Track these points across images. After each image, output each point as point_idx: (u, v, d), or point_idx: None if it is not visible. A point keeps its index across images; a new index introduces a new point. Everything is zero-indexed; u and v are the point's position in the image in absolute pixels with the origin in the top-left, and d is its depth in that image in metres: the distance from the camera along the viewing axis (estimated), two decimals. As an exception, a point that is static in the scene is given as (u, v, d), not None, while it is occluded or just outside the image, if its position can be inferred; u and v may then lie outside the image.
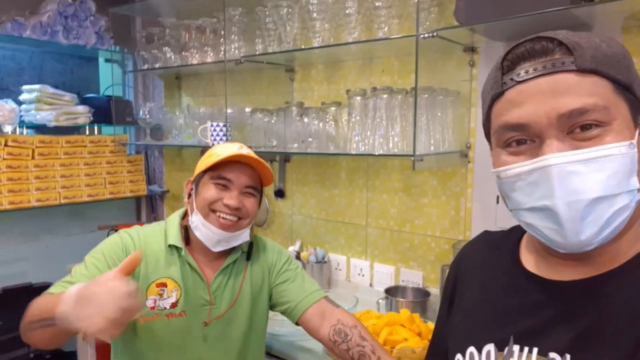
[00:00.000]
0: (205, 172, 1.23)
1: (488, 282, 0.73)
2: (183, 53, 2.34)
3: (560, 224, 0.56)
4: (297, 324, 1.29)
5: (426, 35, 1.49)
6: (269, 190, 2.30)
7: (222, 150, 1.22)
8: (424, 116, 1.62)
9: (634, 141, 0.56)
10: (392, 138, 1.66)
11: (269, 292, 1.33)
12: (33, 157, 2.30)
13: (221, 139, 2.07)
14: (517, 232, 0.75)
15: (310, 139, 1.85)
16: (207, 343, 1.24)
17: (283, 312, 1.31)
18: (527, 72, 0.58)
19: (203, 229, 1.21)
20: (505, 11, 1.35)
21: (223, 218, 1.19)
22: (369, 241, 2.01)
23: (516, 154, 0.60)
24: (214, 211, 1.20)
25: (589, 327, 0.58)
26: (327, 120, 1.84)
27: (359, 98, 1.69)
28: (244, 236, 1.26)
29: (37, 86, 2.32)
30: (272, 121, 1.98)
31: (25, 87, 2.36)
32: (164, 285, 1.21)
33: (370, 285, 2.00)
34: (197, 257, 1.26)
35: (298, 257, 2.06)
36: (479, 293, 0.73)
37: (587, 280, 0.60)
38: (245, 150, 1.23)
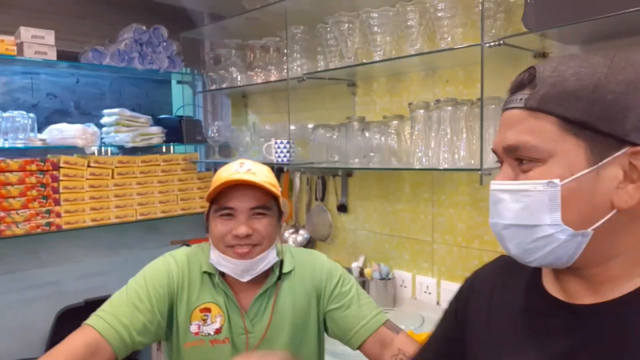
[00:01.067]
0: (211, 205, 1.18)
1: (508, 304, 0.73)
2: (248, 72, 2.41)
3: (498, 239, 0.65)
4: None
5: (492, 44, 1.42)
6: (332, 205, 2.30)
7: (221, 174, 1.15)
8: (491, 128, 1.55)
9: (558, 181, 0.58)
10: (457, 151, 1.60)
11: (321, 317, 1.26)
12: (113, 177, 2.45)
13: (285, 156, 2.10)
14: None
15: (372, 154, 1.83)
16: None
17: (340, 340, 1.24)
18: (505, 103, 0.65)
19: (224, 263, 1.16)
20: (581, 14, 1.26)
21: (238, 247, 1.13)
22: (436, 258, 1.95)
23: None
24: (228, 245, 1.14)
25: (607, 354, 0.58)
26: (389, 134, 1.81)
27: (421, 111, 1.65)
28: (270, 258, 1.18)
29: (116, 110, 2.48)
30: (334, 136, 1.98)
31: (105, 111, 2.53)
32: (208, 310, 1.18)
33: (438, 303, 1.93)
34: (234, 284, 1.20)
35: (362, 273, 2.03)
36: (501, 318, 0.73)
37: (602, 305, 0.61)
38: (245, 168, 1.15)
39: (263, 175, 1.16)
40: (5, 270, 2.28)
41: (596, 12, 1.23)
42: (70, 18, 2.50)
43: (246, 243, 1.13)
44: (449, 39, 1.65)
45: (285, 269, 1.24)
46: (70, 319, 2.32)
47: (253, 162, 1.20)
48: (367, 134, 1.83)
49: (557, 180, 0.58)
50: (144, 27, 2.51)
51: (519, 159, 0.62)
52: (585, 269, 0.63)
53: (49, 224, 2.24)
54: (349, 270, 2.07)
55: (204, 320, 1.17)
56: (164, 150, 2.72)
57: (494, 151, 0.67)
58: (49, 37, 2.24)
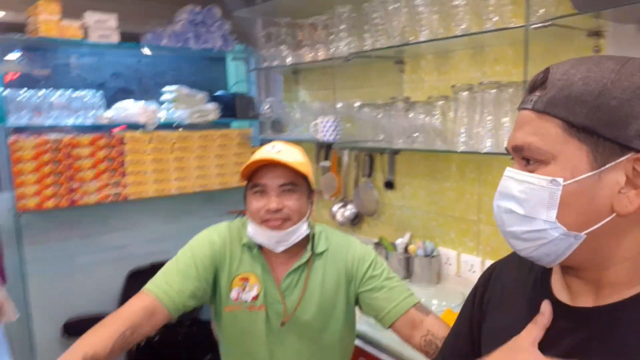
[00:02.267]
0: (247, 183, 1.29)
1: (520, 304, 0.75)
2: (297, 51, 2.45)
3: (498, 222, 0.68)
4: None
5: (538, 25, 1.39)
6: (379, 182, 2.34)
7: (255, 155, 1.25)
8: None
9: (561, 180, 0.60)
10: (501, 134, 1.59)
11: (352, 297, 1.33)
12: (172, 151, 2.61)
13: (331, 134, 2.15)
14: None
15: (416, 134, 1.85)
16: (283, 339, 1.31)
17: (374, 319, 1.31)
18: (521, 102, 0.67)
19: (260, 235, 1.27)
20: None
21: (271, 221, 1.24)
22: (481, 237, 1.96)
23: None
24: (263, 220, 1.25)
25: (604, 357, 0.60)
26: (434, 114, 1.82)
27: (465, 93, 1.64)
28: (301, 231, 1.28)
29: (174, 87, 2.62)
30: (379, 116, 2.00)
31: (165, 88, 2.67)
32: (247, 279, 1.30)
33: (481, 281, 1.95)
34: (271, 257, 1.32)
35: (406, 249, 2.08)
36: (511, 315, 0.75)
37: (603, 307, 0.63)
38: (276, 150, 1.24)
39: (292, 156, 1.25)
40: (80, 235, 2.52)
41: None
42: (131, 0, 2.63)
43: (278, 217, 1.24)
44: (495, 19, 1.62)
45: (319, 249, 1.34)
46: (138, 280, 2.54)
47: (285, 144, 1.29)
48: (410, 115, 1.85)
49: (560, 180, 0.60)
50: (198, 8, 2.60)
51: (525, 159, 0.64)
52: (586, 271, 0.65)
53: (117, 194, 2.45)
54: (394, 245, 2.13)
55: (243, 288, 1.30)
56: (218, 126, 2.84)
57: (507, 150, 0.69)
58: (112, 20, 2.38)
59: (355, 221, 2.49)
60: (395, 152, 2.24)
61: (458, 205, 2.03)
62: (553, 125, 0.61)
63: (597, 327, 0.63)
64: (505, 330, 0.74)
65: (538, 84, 0.64)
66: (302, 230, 1.29)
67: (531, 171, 0.63)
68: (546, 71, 0.64)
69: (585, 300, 0.66)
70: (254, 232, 1.28)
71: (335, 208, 2.53)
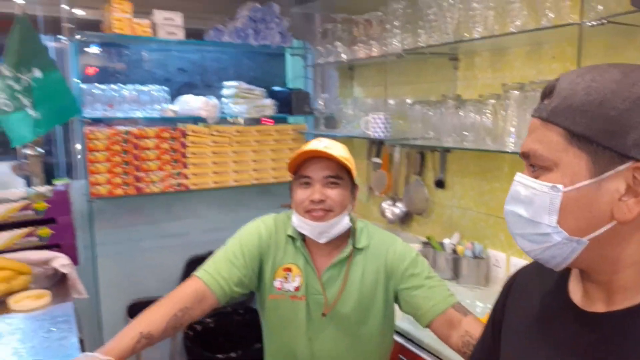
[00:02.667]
0: (294, 176, 1.34)
1: (538, 308, 0.76)
2: (352, 47, 2.48)
3: (508, 225, 0.71)
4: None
5: (594, 23, 1.33)
6: (429, 180, 2.33)
7: (302, 149, 1.30)
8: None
9: (561, 186, 0.62)
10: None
11: (391, 293, 1.36)
12: (231, 145, 2.73)
13: (381, 131, 2.16)
14: None
15: (466, 133, 1.82)
16: (322, 329, 1.35)
17: (413, 317, 1.32)
18: (534, 110, 0.69)
19: (304, 226, 1.32)
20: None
21: (314, 212, 1.29)
22: (531, 239, 1.90)
23: None
24: (306, 211, 1.30)
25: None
26: (485, 112, 1.78)
27: (516, 92, 1.60)
28: (343, 223, 1.32)
29: (234, 83, 2.73)
30: (430, 113, 1.99)
31: (225, 83, 2.79)
32: (290, 270, 1.36)
33: (530, 285, 1.90)
34: (313, 250, 1.38)
35: (454, 250, 2.06)
36: (528, 318, 0.77)
37: (615, 313, 0.64)
38: (322, 144, 1.29)
39: (338, 151, 1.30)
40: (145, 221, 2.71)
41: None
42: (197, -3, 2.77)
43: (320, 208, 1.29)
44: (551, 15, 1.56)
45: (360, 245, 1.37)
46: (196, 266, 2.67)
47: (330, 140, 1.34)
48: (461, 113, 1.82)
49: (560, 186, 0.62)
50: (258, 5, 2.69)
51: (532, 165, 0.66)
52: (598, 274, 0.66)
53: (179, 184, 2.60)
54: (442, 245, 2.12)
55: (286, 278, 1.36)
56: (274, 121, 2.93)
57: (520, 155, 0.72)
58: (178, 18, 2.52)
59: (405, 219, 2.49)
60: (446, 150, 2.21)
61: (509, 206, 1.98)
62: (556, 133, 0.62)
63: (608, 332, 0.63)
64: (518, 332, 0.76)
65: (547, 92, 0.66)
66: (344, 222, 1.33)
67: (536, 177, 0.65)
68: (557, 79, 0.66)
69: (599, 305, 0.67)
70: (298, 222, 1.34)
71: (385, 205, 2.54)
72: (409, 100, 2.22)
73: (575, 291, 0.72)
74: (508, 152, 1.69)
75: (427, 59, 2.28)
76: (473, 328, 1.20)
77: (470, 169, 2.14)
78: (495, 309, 0.88)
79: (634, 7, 1.26)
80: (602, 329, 0.64)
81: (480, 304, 1.81)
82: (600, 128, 0.59)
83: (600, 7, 1.43)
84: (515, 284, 0.85)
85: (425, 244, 2.17)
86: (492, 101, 1.77)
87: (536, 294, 0.78)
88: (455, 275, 2.04)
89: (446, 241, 2.10)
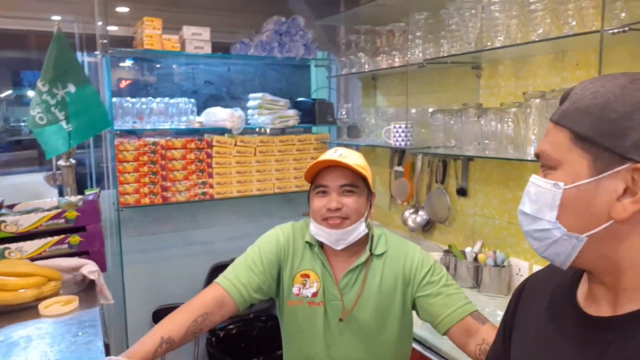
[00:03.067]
0: (311, 185, 1.36)
1: (547, 313, 0.77)
2: (375, 57, 2.50)
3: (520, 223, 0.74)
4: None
5: (615, 30, 1.32)
6: (452, 188, 2.32)
7: (318, 159, 1.32)
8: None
9: (562, 184, 0.65)
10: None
11: (409, 300, 1.36)
12: (255, 154, 2.78)
13: (402, 140, 2.17)
14: None
15: (487, 141, 1.82)
16: (340, 334, 1.36)
17: (430, 324, 1.32)
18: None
19: (321, 233, 1.34)
20: None
21: (331, 219, 1.31)
22: (556, 249, 1.87)
23: None
24: (323, 218, 1.32)
25: None
26: (507, 121, 1.78)
27: (537, 100, 1.59)
28: (359, 230, 1.33)
29: (259, 94, 2.79)
30: (452, 122, 1.99)
31: (250, 95, 2.85)
32: (307, 276, 1.38)
33: (555, 296, 1.87)
34: (331, 256, 1.39)
35: (476, 258, 2.04)
36: (537, 324, 0.78)
37: (621, 317, 0.65)
38: (338, 154, 1.30)
39: (353, 160, 1.32)
40: (171, 229, 2.77)
41: None
42: (223, 12, 2.85)
43: (337, 216, 1.31)
44: (573, 23, 1.55)
45: (378, 251, 1.38)
46: (220, 274, 2.74)
47: (346, 149, 1.36)
48: (482, 122, 1.82)
49: (561, 184, 0.66)
50: (284, 18, 2.75)
51: (542, 165, 0.70)
52: (603, 275, 0.67)
53: (204, 194, 2.66)
54: (463, 253, 2.10)
55: (304, 284, 1.38)
56: (298, 131, 2.97)
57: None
58: (206, 33, 2.59)
59: (427, 227, 2.48)
60: (469, 158, 2.21)
61: (533, 215, 1.96)
62: (563, 135, 0.66)
63: (614, 337, 0.64)
64: (527, 338, 0.77)
65: (564, 96, 0.70)
66: (360, 229, 1.34)
67: (544, 176, 0.69)
68: (570, 89, 0.70)
69: (605, 308, 0.68)
70: (316, 230, 1.36)
71: (407, 214, 2.54)
72: (430, 109, 2.23)
73: (584, 297, 0.73)
74: (529, 161, 1.68)
75: (449, 68, 2.29)
76: (490, 336, 1.18)
77: (492, 177, 2.13)
78: (506, 314, 0.89)
79: (655, 12, 1.25)
80: (608, 334, 0.65)
81: (500, 313, 1.76)
82: (601, 130, 0.62)
83: (623, 14, 1.42)
84: (526, 290, 0.86)
85: (447, 252, 2.16)
86: (514, 109, 1.76)
87: (545, 300, 0.79)
88: (477, 283, 2.02)
89: (468, 249, 2.08)
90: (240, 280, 1.34)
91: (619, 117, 0.61)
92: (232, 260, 2.61)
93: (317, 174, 1.35)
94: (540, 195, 0.68)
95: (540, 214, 0.68)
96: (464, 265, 2.05)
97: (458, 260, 2.08)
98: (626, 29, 1.30)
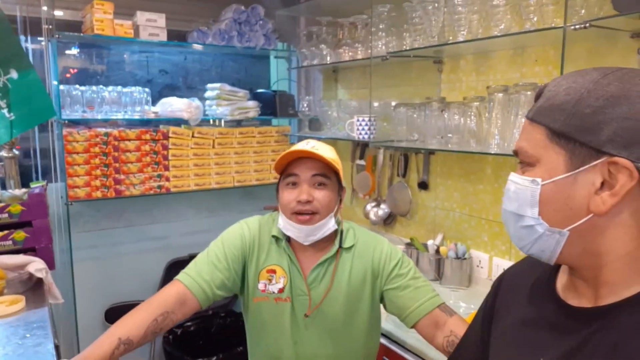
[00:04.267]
0: (280, 177, 1.33)
1: (526, 306, 0.77)
2: (337, 49, 2.48)
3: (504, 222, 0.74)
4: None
5: (577, 26, 1.35)
6: (413, 182, 2.33)
7: (290, 149, 1.29)
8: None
9: (540, 180, 0.66)
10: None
11: (378, 293, 1.35)
12: (213, 147, 2.69)
13: (366, 133, 2.16)
14: None
15: (450, 135, 1.83)
16: (307, 331, 1.33)
17: (398, 317, 1.32)
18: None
19: (290, 228, 1.30)
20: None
21: (300, 214, 1.27)
22: (514, 241, 1.92)
23: None
24: (293, 212, 1.28)
25: (609, 354, 0.62)
26: (469, 115, 1.80)
27: (500, 94, 1.62)
28: (329, 226, 1.31)
29: (217, 85, 2.70)
30: (415, 115, 2.00)
31: (208, 85, 2.76)
32: (274, 271, 1.34)
33: (513, 287, 1.91)
34: (299, 250, 1.35)
35: (437, 251, 2.07)
36: (517, 316, 0.78)
37: (602, 307, 0.66)
38: (310, 145, 1.27)
39: (325, 152, 1.29)
40: (124, 224, 2.66)
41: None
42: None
43: (307, 209, 1.27)
44: (534, 19, 1.58)
45: (347, 244, 1.36)
46: (177, 270, 2.60)
47: (317, 142, 1.33)
48: (445, 115, 1.83)
49: (538, 180, 0.66)
50: (243, 7, 2.68)
51: (520, 162, 0.70)
52: (584, 270, 0.68)
53: (159, 187, 2.55)
54: (425, 246, 2.12)
55: (270, 280, 1.34)
56: (258, 123, 2.91)
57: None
58: (161, 20, 2.48)
59: (388, 221, 2.50)
60: (430, 152, 2.22)
61: (492, 208, 2.00)
62: (539, 131, 0.66)
63: (596, 327, 0.64)
64: (508, 331, 0.77)
65: (539, 93, 0.70)
66: (330, 225, 1.32)
67: (522, 173, 0.69)
68: (544, 86, 0.70)
69: (586, 300, 0.68)
70: (284, 224, 1.32)
71: (368, 207, 2.54)
72: (393, 103, 2.23)
73: (564, 288, 0.73)
74: (491, 154, 1.71)
75: (412, 62, 2.30)
76: (458, 328, 1.20)
77: (453, 171, 2.15)
78: (484, 308, 0.89)
79: (615, 10, 1.28)
80: (590, 324, 0.65)
81: (463, 304, 1.81)
82: (576, 125, 0.62)
83: (583, 11, 1.45)
84: (504, 283, 0.86)
85: (409, 245, 2.17)
86: (476, 104, 1.79)
87: (525, 293, 0.79)
88: (438, 276, 2.05)
89: (429, 242, 2.10)
90: (202, 277, 1.28)
91: (592, 111, 0.61)
92: (189, 256, 2.52)
93: (288, 165, 1.31)
94: (520, 193, 0.68)
95: (522, 211, 0.68)
96: (425, 258, 2.07)
97: (420, 253, 2.09)
98: (587, 25, 1.33)
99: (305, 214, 1.28)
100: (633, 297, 0.63)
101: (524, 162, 0.69)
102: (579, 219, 0.64)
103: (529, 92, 1.54)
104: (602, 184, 0.62)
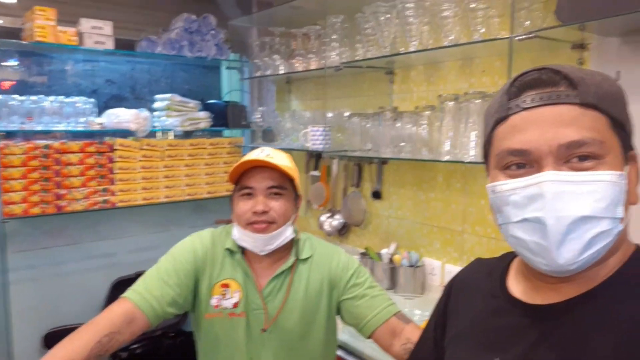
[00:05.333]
0: (235, 187, 1.29)
1: (479, 307, 0.75)
2: (290, 60, 2.47)
3: (547, 237, 0.59)
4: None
5: (522, 37, 1.40)
6: (367, 192, 2.34)
7: (243, 159, 1.26)
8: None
9: (624, 173, 0.60)
10: (486, 144, 1.59)
11: (334, 304, 1.32)
12: (163, 159, 2.60)
13: (320, 143, 2.15)
14: (507, 258, 0.78)
15: (403, 144, 1.85)
16: (263, 346, 1.29)
17: (354, 328, 1.30)
18: (532, 99, 0.62)
19: (246, 239, 1.26)
20: (618, 7, 1.22)
21: (256, 224, 1.23)
22: (465, 248, 1.95)
23: (514, 176, 0.63)
24: (248, 223, 1.24)
25: (569, 349, 0.61)
26: (421, 124, 1.82)
27: (451, 103, 1.65)
28: (286, 235, 1.27)
29: (167, 95, 2.63)
30: (368, 125, 2.01)
31: (157, 96, 2.68)
32: (227, 286, 1.28)
33: (467, 293, 1.94)
34: (254, 263, 1.31)
35: (391, 260, 2.07)
36: (470, 318, 0.76)
37: (564, 302, 0.63)
38: (265, 153, 1.24)
39: (281, 160, 1.25)
40: (66, 242, 2.51)
41: (632, 6, 1.19)
42: (127, 8, 2.66)
43: (263, 220, 1.23)
44: (482, 30, 1.63)
45: (303, 256, 1.32)
46: (123, 289, 2.50)
47: (273, 149, 1.29)
48: (398, 125, 1.85)
49: (624, 173, 0.60)
50: (194, 16, 2.63)
51: (579, 156, 0.59)
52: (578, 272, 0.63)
53: (105, 201, 2.43)
54: (379, 255, 2.12)
55: (223, 295, 1.28)
56: (210, 134, 2.85)
57: (526, 151, 0.62)
58: (107, 27, 2.40)
59: (343, 231, 2.48)
60: (383, 161, 2.24)
61: (443, 215, 2.03)
62: (601, 120, 0.60)
63: (557, 322, 0.63)
64: (463, 334, 0.76)
65: (556, 80, 0.61)
66: (287, 234, 1.28)
67: (590, 168, 0.59)
68: (551, 70, 0.62)
69: (542, 297, 0.67)
70: (239, 235, 1.27)
71: (323, 218, 2.52)
72: (346, 113, 2.23)
73: (514, 285, 0.72)
74: (443, 162, 1.73)
75: (364, 73, 2.32)
76: (415, 335, 1.17)
77: (406, 180, 2.18)
78: (436, 313, 0.87)
79: (558, 20, 1.34)
80: (548, 320, 0.64)
81: (418, 312, 1.82)
82: (627, 115, 0.63)
83: (527, 22, 1.51)
84: (455, 288, 0.85)
85: (363, 255, 2.17)
86: (428, 113, 1.81)
87: (478, 296, 0.78)
88: (393, 284, 2.05)
89: (384, 251, 2.10)
90: (152, 293, 1.20)
91: (626, 107, 0.63)
92: (137, 274, 2.40)
93: (242, 175, 1.26)
94: (607, 191, 0.58)
95: (608, 213, 0.59)
96: (380, 267, 2.07)
97: (374, 263, 2.09)
98: (533, 35, 1.38)
99: (261, 222, 1.24)
100: (592, 291, 0.62)
101: (593, 154, 0.59)
102: (624, 213, 0.61)
103: (478, 101, 1.58)
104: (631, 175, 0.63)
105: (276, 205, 1.25)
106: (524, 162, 0.62)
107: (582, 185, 0.58)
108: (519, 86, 0.64)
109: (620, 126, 0.61)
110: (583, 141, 0.59)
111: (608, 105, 0.60)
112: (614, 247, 0.62)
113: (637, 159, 0.63)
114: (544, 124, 0.60)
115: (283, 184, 1.26)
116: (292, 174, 1.26)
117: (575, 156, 0.59)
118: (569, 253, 0.59)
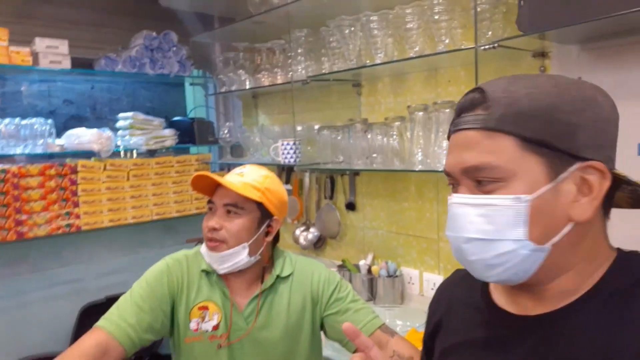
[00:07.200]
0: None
1: (465, 319, 0.75)
2: (256, 75, 2.45)
3: (457, 253, 0.65)
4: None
5: (486, 47, 1.44)
6: (341, 204, 2.34)
7: (205, 172, 1.26)
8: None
9: (527, 196, 0.59)
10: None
11: (318, 320, 1.31)
12: (128, 179, 2.53)
13: (291, 157, 2.14)
14: None
15: (374, 155, 1.86)
16: None
17: (339, 343, 1.29)
18: (456, 124, 0.66)
19: (205, 255, 1.25)
20: (576, 16, 1.27)
21: (210, 241, 1.22)
22: (442, 255, 1.98)
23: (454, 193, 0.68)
24: (206, 238, 1.23)
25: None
26: (392, 135, 1.84)
27: (420, 113, 1.67)
28: (239, 258, 1.22)
29: (130, 114, 2.55)
30: (339, 138, 2.01)
31: (120, 115, 2.60)
32: (206, 308, 1.25)
33: (444, 300, 1.96)
34: (232, 282, 1.28)
35: (369, 271, 2.07)
36: (457, 330, 0.76)
37: (549, 314, 0.63)
38: (238, 171, 1.26)
39: (249, 179, 1.24)
40: (29, 270, 2.39)
41: (591, 14, 1.23)
42: (84, 26, 2.58)
43: (214, 237, 1.21)
44: (446, 41, 1.67)
45: (284, 273, 1.31)
46: (92, 315, 2.41)
47: (253, 167, 1.28)
48: (369, 136, 1.86)
49: (524, 196, 0.59)
50: (154, 33, 2.58)
51: (478, 180, 0.62)
52: (539, 285, 0.65)
53: (69, 225, 2.34)
54: (357, 267, 2.12)
55: (202, 318, 1.25)
56: (176, 152, 2.79)
57: (448, 173, 0.67)
58: (63, 46, 2.32)
59: (318, 244, 2.47)
60: (355, 173, 2.25)
61: (418, 224, 2.05)
62: (507, 142, 0.60)
63: (545, 333, 0.63)
64: (452, 347, 0.75)
65: (477, 102, 0.63)
66: (242, 257, 1.22)
67: (489, 192, 0.61)
68: (478, 90, 0.64)
69: (530, 308, 0.66)
70: (204, 251, 1.27)
71: (297, 232, 2.51)
72: (316, 126, 2.23)
73: (499, 296, 0.71)
74: (415, 171, 1.75)
75: (332, 86, 2.33)
76: (400, 347, 1.19)
77: (379, 191, 2.19)
78: (426, 329, 0.87)
79: (519, 30, 1.38)
80: (538, 332, 0.63)
81: (399, 322, 1.82)
82: (553, 132, 0.59)
83: (489, 32, 1.55)
84: (439, 301, 0.85)
85: (341, 267, 2.16)
86: (398, 123, 1.83)
87: (462, 308, 0.77)
88: (372, 295, 2.05)
89: (361, 263, 2.11)
90: (126, 321, 1.17)
91: (566, 117, 0.59)
92: (107, 298, 2.32)
93: (215, 191, 1.26)
94: (498, 215, 0.60)
95: (501, 235, 0.60)
96: (358, 278, 2.06)
97: (352, 274, 2.09)
98: (496, 45, 1.42)
99: (213, 240, 1.22)
100: (578, 301, 0.62)
101: (490, 178, 0.61)
102: (561, 231, 0.60)
103: (447, 110, 1.61)
104: (577, 190, 0.60)
105: (229, 225, 1.21)
106: (452, 182, 0.67)
107: (477, 208, 0.62)
108: (457, 109, 0.67)
109: (542, 144, 0.59)
110: (478, 166, 0.61)
111: (515, 126, 0.59)
112: (561, 261, 0.62)
113: (597, 169, 0.60)
114: (455, 148, 0.65)
115: (240, 203, 1.22)
116: (249, 195, 1.21)
117: (475, 179, 0.63)
118: (477, 272, 0.65)
